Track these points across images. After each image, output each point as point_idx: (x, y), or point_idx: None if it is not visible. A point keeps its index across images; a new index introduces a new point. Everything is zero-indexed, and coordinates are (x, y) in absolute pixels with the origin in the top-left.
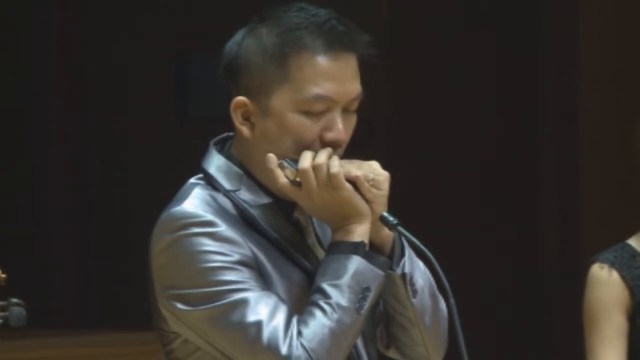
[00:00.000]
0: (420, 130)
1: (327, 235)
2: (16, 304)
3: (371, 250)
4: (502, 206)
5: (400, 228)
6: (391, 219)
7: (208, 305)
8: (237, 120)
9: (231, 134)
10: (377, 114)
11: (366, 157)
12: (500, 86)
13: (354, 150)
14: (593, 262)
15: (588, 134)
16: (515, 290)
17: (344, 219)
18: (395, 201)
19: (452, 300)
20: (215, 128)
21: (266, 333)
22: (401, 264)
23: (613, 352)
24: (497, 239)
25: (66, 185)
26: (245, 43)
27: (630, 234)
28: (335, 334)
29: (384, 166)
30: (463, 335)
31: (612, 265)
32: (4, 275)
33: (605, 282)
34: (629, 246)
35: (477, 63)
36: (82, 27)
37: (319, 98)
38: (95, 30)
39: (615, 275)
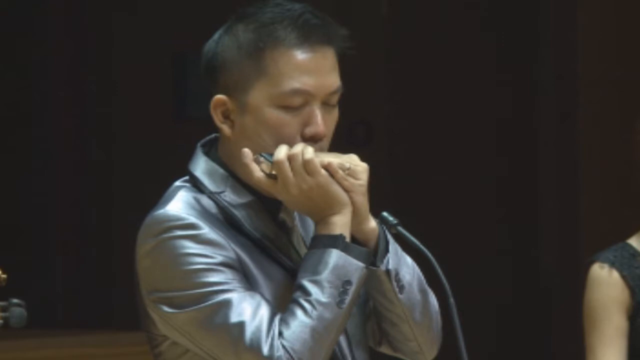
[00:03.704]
0: (420, 131)
1: (309, 234)
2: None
3: (352, 242)
4: (502, 206)
5: (399, 228)
6: (391, 218)
7: (192, 308)
8: (217, 119)
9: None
10: (377, 115)
11: (366, 157)
12: (499, 87)
13: (354, 150)
14: (593, 262)
15: (588, 134)
16: (515, 290)
17: (323, 208)
18: (394, 201)
19: (451, 300)
20: (213, 129)
21: (248, 333)
22: (385, 260)
23: (613, 352)
24: (497, 239)
25: (66, 185)
26: (222, 41)
27: (630, 234)
28: (317, 332)
29: (383, 166)
30: (462, 335)
31: (612, 265)
32: (4, 276)
33: (605, 282)
34: (629, 246)
35: (477, 64)
36: (82, 27)
37: (295, 92)
38: (95, 30)
39: (615, 275)
